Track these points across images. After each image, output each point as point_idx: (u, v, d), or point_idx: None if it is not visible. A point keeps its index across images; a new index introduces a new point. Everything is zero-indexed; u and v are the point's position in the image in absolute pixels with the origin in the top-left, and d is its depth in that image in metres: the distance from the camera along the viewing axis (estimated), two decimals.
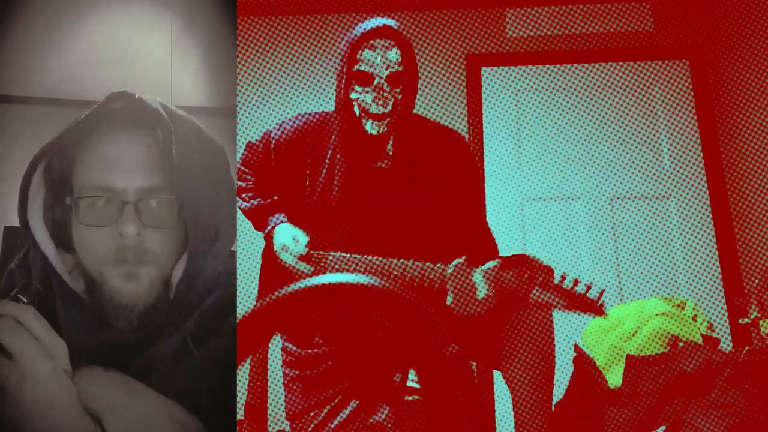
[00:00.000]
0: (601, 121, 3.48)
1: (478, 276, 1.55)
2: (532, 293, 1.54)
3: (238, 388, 1.09)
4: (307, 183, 1.77)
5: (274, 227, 1.76)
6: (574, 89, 3.53)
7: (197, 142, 1.10)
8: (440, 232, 1.74)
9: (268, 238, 1.79)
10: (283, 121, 1.83)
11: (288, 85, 3.59)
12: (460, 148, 1.82)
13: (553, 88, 3.55)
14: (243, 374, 2.13)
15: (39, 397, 0.90)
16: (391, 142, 1.74)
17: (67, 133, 1.09)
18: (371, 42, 1.67)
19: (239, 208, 1.84)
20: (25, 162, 1.11)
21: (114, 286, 1.04)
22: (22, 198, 1.09)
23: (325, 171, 1.75)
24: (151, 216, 1.05)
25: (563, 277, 1.56)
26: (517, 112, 3.54)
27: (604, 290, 1.57)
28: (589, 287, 1.57)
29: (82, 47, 2.87)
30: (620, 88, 3.51)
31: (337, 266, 1.70)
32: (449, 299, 1.58)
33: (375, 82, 1.66)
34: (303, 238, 1.72)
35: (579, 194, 3.41)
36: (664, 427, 1.64)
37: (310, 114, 1.83)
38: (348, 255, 1.69)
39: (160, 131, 1.07)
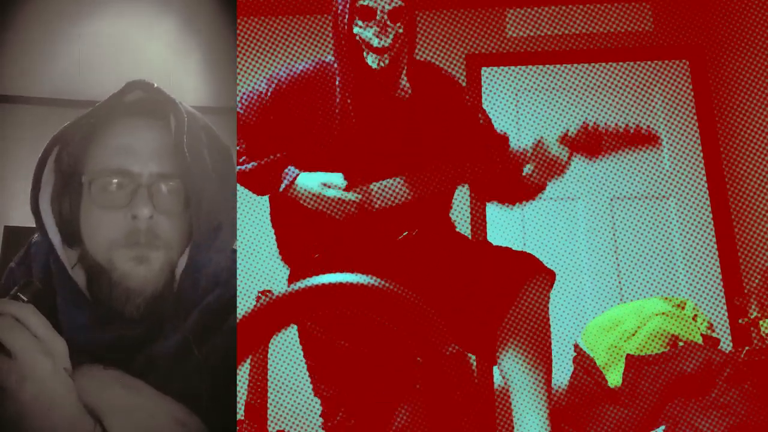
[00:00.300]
0: (601, 121, 3.48)
1: (555, 145, 1.73)
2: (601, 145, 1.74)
3: (238, 388, 1.10)
4: (319, 128, 1.74)
5: (294, 178, 1.72)
6: (574, 89, 3.53)
7: (206, 138, 1.12)
8: (468, 151, 1.78)
9: (283, 196, 1.73)
10: (271, 76, 1.79)
11: None
12: (459, 86, 1.88)
13: (553, 88, 3.55)
14: (243, 374, 2.13)
15: (39, 395, 0.90)
16: (404, 74, 1.76)
17: (84, 119, 1.11)
18: None
19: (238, 173, 1.76)
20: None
21: (123, 270, 1.05)
22: (35, 183, 1.10)
23: (338, 110, 1.73)
24: (162, 201, 1.07)
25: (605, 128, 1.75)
26: (517, 112, 3.54)
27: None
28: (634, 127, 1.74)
29: (82, 47, 2.88)
30: (620, 88, 3.51)
31: (386, 194, 1.70)
32: (530, 170, 1.71)
33: (377, 17, 1.68)
34: (335, 174, 1.71)
35: (579, 194, 3.41)
36: (664, 427, 1.64)
37: (301, 63, 1.81)
38: (395, 180, 1.71)
39: (174, 120, 1.09)
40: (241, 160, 1.76)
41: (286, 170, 1.73)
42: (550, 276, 1.69)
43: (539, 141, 1.73)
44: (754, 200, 3.23)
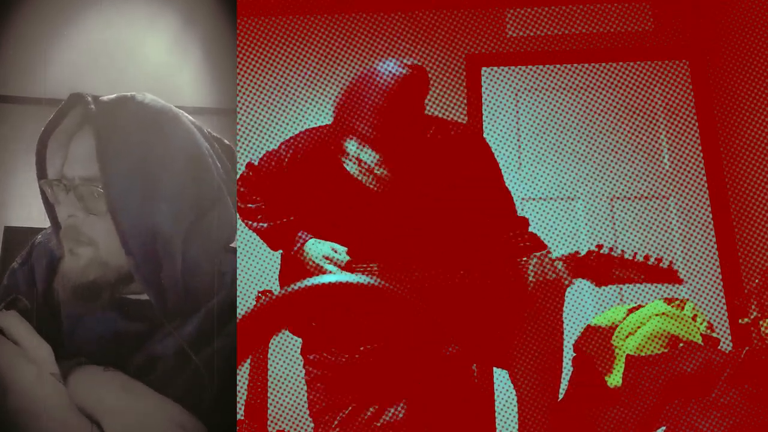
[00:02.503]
0: (601, 121, 3.48)
1: (560, 264, 1.69)
2: (611, 274, 1.68)
3: (238, 388, 1.10)
4: (330, 199, 1.77)
5: (304, 243, 1.75)
6: (574, 89, 3.53)
7: (154, 139, 1.16)
8: (480, 229, 1.77)
9: (294, 258, 1.77)
10: (292, 139, 1.82)
11: (288, 86, 3.58)
12: (474, 144, 1.83)
13: (553, 88, 3.55)
14: (243, 374, 2.13)
15: (26, 406, 0.90)
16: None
17: (50, 126, 1.21)
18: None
19: (254, 230, 1.83)
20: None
21: (64, 257, 1.14)
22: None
23: (348, 189, 1.74)
24: (87, 203, 1.13)
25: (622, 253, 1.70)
26: (517, 112, 3.54)
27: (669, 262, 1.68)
28: (654, 258, 1.68)
29: (81, 47, 2.87)
30: (620, 88, 3.51)
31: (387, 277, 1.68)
32: (530, 281, 1.66)
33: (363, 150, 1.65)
34: (341, 247, 1.73)
35: (579, 194, 3.41)
36: (664, 428, 1.64)
37: (319, 129, 1.82)
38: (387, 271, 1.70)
39: (93, 128, 1.15)
40: (256, 218, 1.81)
41: (299, 233, 1.76)
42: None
43: (544, 255, 1.71)
44: (754, 200, 3.23)
